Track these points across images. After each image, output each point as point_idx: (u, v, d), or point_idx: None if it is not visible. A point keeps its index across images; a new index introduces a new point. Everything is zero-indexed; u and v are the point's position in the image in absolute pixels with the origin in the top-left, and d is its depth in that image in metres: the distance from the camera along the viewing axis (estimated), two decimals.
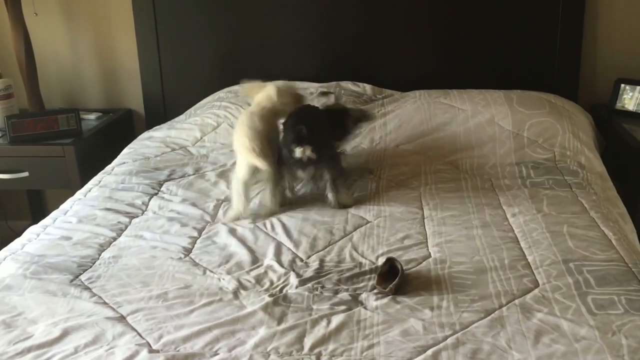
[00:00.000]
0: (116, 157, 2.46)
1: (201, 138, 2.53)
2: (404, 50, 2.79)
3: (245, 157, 1.90)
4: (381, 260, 1.61)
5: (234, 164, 2.02)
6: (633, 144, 2.34)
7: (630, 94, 2.62)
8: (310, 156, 1.89)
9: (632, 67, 2.71)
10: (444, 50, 2.78)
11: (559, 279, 1.48)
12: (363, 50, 2.81)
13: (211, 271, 1.62)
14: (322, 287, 1.52)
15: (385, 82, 2.77)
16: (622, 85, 2.63)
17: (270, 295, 1.48)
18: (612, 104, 2.65)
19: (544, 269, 1.53)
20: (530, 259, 1.60)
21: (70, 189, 2.51)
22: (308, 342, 1.31)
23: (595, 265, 1.53)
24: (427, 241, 1.73)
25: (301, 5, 2.79)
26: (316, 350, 1.28)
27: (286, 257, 1.67)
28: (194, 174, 2.25)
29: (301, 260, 1.66)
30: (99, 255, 1.72)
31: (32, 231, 1.87)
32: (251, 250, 1.71)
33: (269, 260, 1.66)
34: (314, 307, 1.43)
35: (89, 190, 2.14)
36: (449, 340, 1.29)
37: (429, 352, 1.26)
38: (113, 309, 1.45)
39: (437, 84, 2.68)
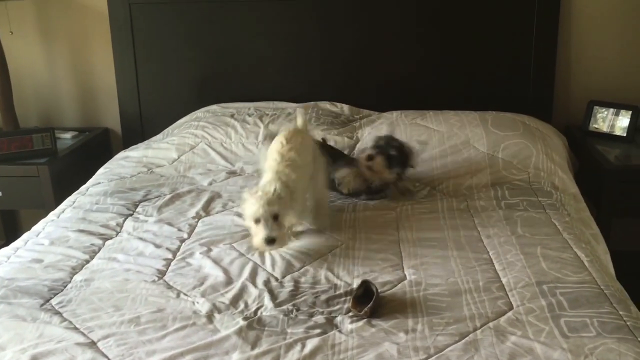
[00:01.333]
0: (92, 176, 2.43)
1: (178, 158, 2.52)
2: (381, 71, 2.82)
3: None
4: (356, 283, 1.60)
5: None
6: (606, 165, 2.38)
7: (604, 115, 2.66)
8: None
9: (604, 90, 2.77)
10: (421, 71, 2.81)
11: (533, 302, 1.49)
12: (341, 71, 2.83)
13: (185, 294, 1.60)
14: (297, 309, 1.51)
15: (363, 103, 2.80)
16: (595, 107, 2.68)
17: (245, 319, 1.47)
18: (586, 125, 2.69)
19: (517, 291, 1.54)
20: (504, 280, 1.60)
21: (44, 209, 2.47)
22: None
23: (568, 288, 1.54)
24: (402, 263, 1.73)
25: (279, 27, 2.80)
26: None
27: (261, 278, 1.66)
28: (170, 195, 2.23)
29: (276, 279, 1.65)
30: (71, 278, 1.69)
31: (2, 254, 1.84)
32: (226, 271, 1.70)
33: (243, 280, 1.65)
34: (289, 330, 1.42)
35: (63, 211, 2.11)
36: None
37: None
38: (84, 335, 1.42)
39: (414, 105, 2.70)
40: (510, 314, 1.45)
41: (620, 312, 1.43)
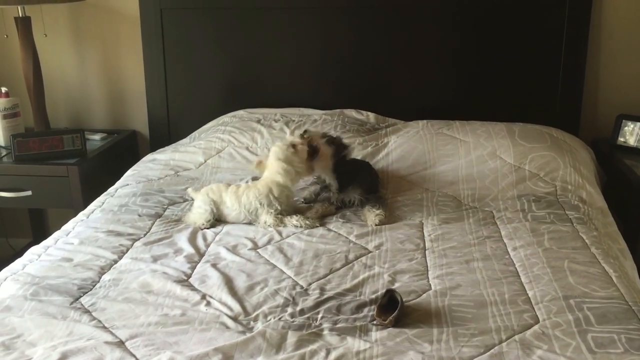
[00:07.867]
0: (120, 178, 2.47)
1: (205, 162, 2.54)
2: (408, 80, 2.82)
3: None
4: (381, 291, 1.61)
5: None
6: (634, 180, 2.36)
7: (632, 129, 2.64)
8: None
9: (633, 104, 2.74)
10: (449, 81, 2.80)
11: (559, 316, 1.48)
12: (368, 79, 2.84)
13: (210, 296, 1.62)
14: (322, 317, 1.51)
15: (389, 111, 2.80)
16: (624, 120, 2.65)
17: (270, 323, 1.48)
18: (614, 139, 2.67)
19: (544, 305, 1.53)
20: (530, 294, 1.60)
21: (72, 209, 2.51)
22: None
23: (595, 303, 1.52)
24: (427, 273, 1.73)
25: (307, 34, 2.82)
26: None
27: (286, 284, 1.67)
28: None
29: (302, 287, 1.66)
30: (100, 277, 1.72)
31: (33, 252, 1.87)
32: (251, 277, 1.71)
33: (269, 285, 1.66)
34: (313, 337, 1.43)
35: (92, 212, 2.15)
36: None
37: None
38: (112, 334, 1.45)
39: (440, 115, 2.70)
40: (536, 327, 1.44)
41: None
